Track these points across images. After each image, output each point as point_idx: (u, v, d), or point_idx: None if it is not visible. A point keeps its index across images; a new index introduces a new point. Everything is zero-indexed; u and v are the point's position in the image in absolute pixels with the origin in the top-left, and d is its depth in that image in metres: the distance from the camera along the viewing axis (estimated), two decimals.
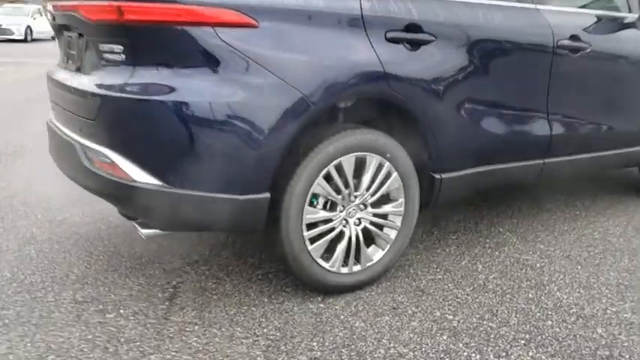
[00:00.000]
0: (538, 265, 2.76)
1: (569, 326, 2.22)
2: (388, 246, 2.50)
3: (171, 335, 2.09)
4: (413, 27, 2.36)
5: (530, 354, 2.04)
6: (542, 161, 2.92)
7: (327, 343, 2.07)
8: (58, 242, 2.91)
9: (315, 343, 2.07)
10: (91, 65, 2.21)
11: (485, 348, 2.07)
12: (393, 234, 2.51)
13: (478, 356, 2.02)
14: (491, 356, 2.03)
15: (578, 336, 2.16)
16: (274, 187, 2.17)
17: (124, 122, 2.05)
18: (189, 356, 1.97)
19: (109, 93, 2.04)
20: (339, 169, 2.28)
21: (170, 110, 1.97)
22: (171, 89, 1.98)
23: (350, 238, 2.39)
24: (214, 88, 2.00)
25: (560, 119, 2.92)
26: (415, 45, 2.37)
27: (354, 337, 2.12)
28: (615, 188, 3.97)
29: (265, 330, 2.15)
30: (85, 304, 2.31)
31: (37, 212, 3.29)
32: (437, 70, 2.43)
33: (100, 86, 2.09)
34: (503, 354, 2.04)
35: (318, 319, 2.23)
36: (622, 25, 3.09)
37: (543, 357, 2.03)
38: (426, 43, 2.39)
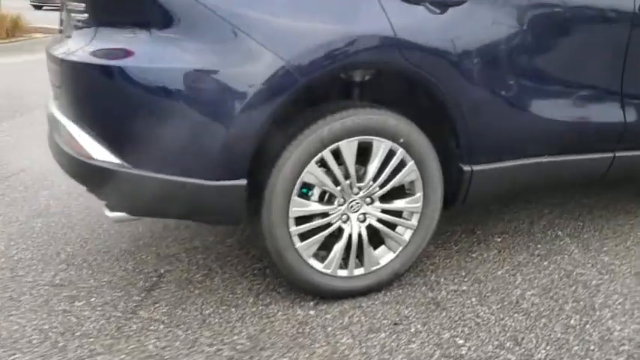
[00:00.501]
0: (594, 282, 2.25)
1: None
2: (400, 248, 2.12)
3: (130, 334, 1.87)
4: None
5: None
6: (611, 154, 2.37)
7: None
8: (67, 216, 2.79)
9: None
10: (68, 30, 1.99)
11: None
12: (407, 234, 2.12)
13: None
14: None
15: None
16: (256, 173, 1.86)
17: (81, 91, 1.82)
18: None
19: (67, 57, 1.81)
20: (337, 155, 1.92)
21: (125, 78, 1.70)
22: (129, 54, 1.70)
23: (350, 237, 2.03)
24: (179, 53, 1.70)
25: (637, 103, 2.35)
26: (441, 6, 1.93)
27: (334, 356, 1.77)
28: None
29: (236, 337, 1.86)
30: (60, 287, 2.14)
31: (62, 183, 3.19)
32: (470, 39, 1.98)
33: (64, 51, 1.86)
34: None
35: (301, 330, 1.90)
36: None
37: None
38: (455, 4, 1.94)
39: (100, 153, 1.80)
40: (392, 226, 2.10)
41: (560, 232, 2.70)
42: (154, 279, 2.21)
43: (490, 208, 2.95)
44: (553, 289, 2.19)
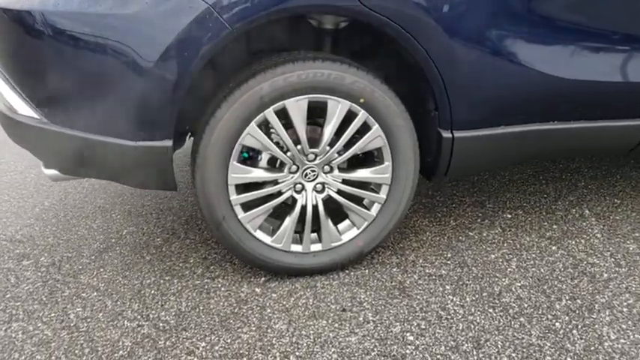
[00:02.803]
0: (605, 275, 1.87)
1: None
2: (365, 224, 1.86)
3: (59, 300, 1.77)
4: None
5: None
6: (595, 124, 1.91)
7: (217, 347, 1.57)
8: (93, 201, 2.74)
9: (203, 344, 1.58)
10: None
11: None
12: (374, 209, 1.85)
13: None
14: None
15: None
16: (189, 134, 1.67)
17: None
18: (51, 332, 1.63)
19: None
20: (283, 116, 1.67)
21: (31, 24, 1.53)
22: None
23: (305, 209, 1.80)
24: None
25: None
26: None
27: (258, 344, 1.58)
28: None
29: (163, 313, 1.71)
30: (17, 243, 2.10)
31: None
32: None
33: None
34: None
35: (236, 310, 1.72)
36: None
37: None
38: None
39: (22, 107, 1.67)
40: (357, 199, 1.84)
41: (587, 211, 2.30)
42: (112, 240, 2.11)
43: (514, 177, 2.58)
44: (550, 281, 1.85)
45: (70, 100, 1.60)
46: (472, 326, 1.64)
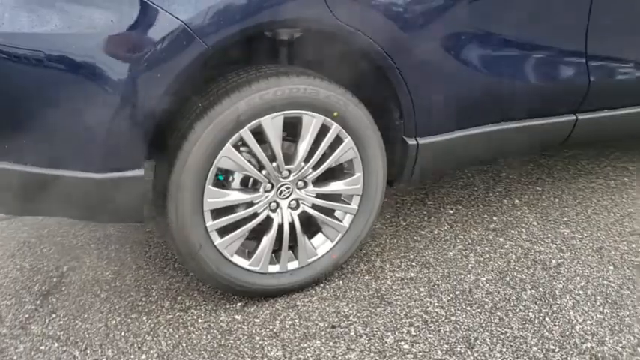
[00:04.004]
0: (554, 261, 2.04)
1: None
2: (339, 236, 1.85)
3: (14, 358, 1.56)
4: None
5: None
6: (573, 117, 2.11)
7: None
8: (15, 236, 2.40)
9: None
10: None
11: None
12: (347, 220, 1.85)
13: None
14: None
15: None
16: (159, 161, 1.54)
17: None
18: None
19: None
20: (258, 134, 1.60)
21: None
22: None
23: (281, 227, 1.74)
24: (41, 12, 1.32)
25: (603, 59, 2.07)
26: None
27: None
28: None
29: (143, 357, 1.57)
30: None
31: None
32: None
33: None
34: None
35: (223, 342, 1.63)
36: None
37: None
38: None
39: None
40: (329, 212, 1.82)
41: (517, 200, 2.47)
42: (54, 280, 1.89)
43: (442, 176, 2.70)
44: (509, 272, 1.97)
45: (17, 130, 1.40)
46: (458, 326, 1.70)
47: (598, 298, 1.83)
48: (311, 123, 1.65)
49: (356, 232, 1.86)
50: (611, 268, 1.99)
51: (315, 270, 1.84)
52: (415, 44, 1.69)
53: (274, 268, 1.78)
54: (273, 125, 1.60)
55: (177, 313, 1.74)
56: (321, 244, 1.84)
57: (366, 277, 1.93)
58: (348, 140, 1.72)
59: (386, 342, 1.64)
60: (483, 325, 1.71)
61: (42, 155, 1.43)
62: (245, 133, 1.57)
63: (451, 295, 1.85)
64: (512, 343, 1.64)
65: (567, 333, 1.68)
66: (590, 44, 1.98)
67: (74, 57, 1.35)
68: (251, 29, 1.49)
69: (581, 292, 1.87)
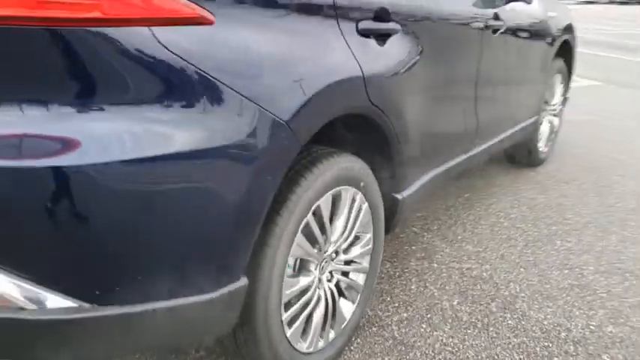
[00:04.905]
0: (484, 274, 2.47)
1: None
2: (359, 296, 1.94)
3: None
4: (381, 14, 1.75)
5: None
6: (469, 154, 2.61)
7: None
8: None
9: None
10: None
11: None
12: (361, 279, 1.95)
13: None
14: None
15: None
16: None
17: None
18: None
19: None
20: (316, 215, 1.62)
21: (69, 184, 1.07)
22: (69, 144, 1.07)
23: (327, 302, 1.77)
24: (148, 131, 1.14)
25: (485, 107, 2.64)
26: (382, 38, 1.77)
27: None
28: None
29: None
30: None
31: None
32: (402, 68, 1.88)
33: None
34: None
35: None
36: None
37: None
38: (391, 34, 1.80)
39: (34, 298, 1.13)
40: (348, 275, 1.91)
41: (415, 229, 2.87)
42: None
43: None
44: (467, 291, 2.33)
45: (129, 270, 1.19)
46: (471, 350, 1.98)
47: (535, 295, 2.32)
48: (347, 196, 1.74)
49: (369, 289, 1.98)
50: (522, 270, 2.53)
51: (347, 335, 1.90)
52: (408, 114, 1.92)
53: (321, 343, 1.79)
54: (326, 204, 1.65)
55: None
56: (347, 309, 1.91)
57: (373, 329, 2.06)
58: (366, 206, 1.85)
59: None
60: (489, 344, 2.02)
61: (151, 290, 1.22)
62: (310, 217, 1.58)
63: (449, 325, 2.11)
64: (523, 350, 1.99)
65: (545, 330, 2.11)
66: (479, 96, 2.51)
67: (196, 175, 1.21)
68: (329, 120, 1.53)
69: (523, 294, 2.33)
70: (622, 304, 2.31)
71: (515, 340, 2.04)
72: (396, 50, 1.82)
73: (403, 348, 1.96)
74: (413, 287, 2.34)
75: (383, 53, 1.76)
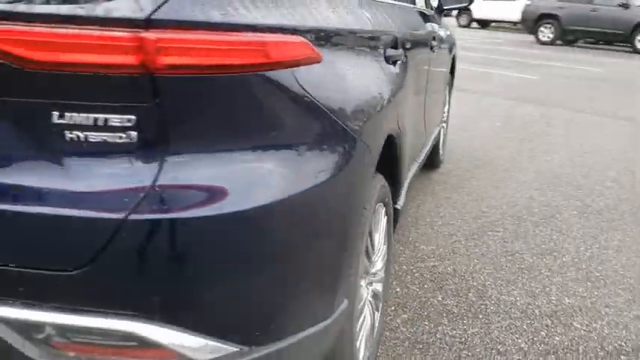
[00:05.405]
0: (449, 269, 2.75)
1: (597, 329, 2.30)
2: (381, 304, 2.08)
3: None
4: (395, 42, 1.93)
5: None
6: (420, 160, 2.89)
7: None
8: None
9: None
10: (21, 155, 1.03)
11: None
12: (380, 287, 2.08)
13: None
14: None
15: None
16: None
17: (152, 262, 1.05)
18: None
19: (130, 214, 0.99)
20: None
21: (239, 230, 1.09)
22: (219, 194, 1.08)
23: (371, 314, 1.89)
24: (292, 169, 1.19)
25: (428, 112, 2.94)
26: (394, 64, 1.94)
27: None
28: None
29: None
30: None
31: None
32: (405, 89, 2.06)
33: (95, 200, 1.00)
34: None
35: None
36: None
37: None
38: (398, 60, 1.98)
39: (198, 347, 1.12)
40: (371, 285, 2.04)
41: None
42: None
43: None
44: (444, 286, 2.57)
45: (285, 305, 1.22)
46: (481, 337, 2.23)
47: (498, 281, 2.65)
48: (382, 212, 1.87)
49: (384, 297, 2.12)
50: (476, 261, 2.85)
51: (376, 347, 2.02)
52: (407, 131, 2.11)
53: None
54: (374, 221, 1.76)
55: None
56: (376, 317, 2.03)
57: (386, 333, 2.21)
58: (385, 219, 2.00)
59: None
60: (485, 327, 2.29)
61: (297, 322, 1.25)
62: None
63: (445, 318, 2.33)
64: (511, 329, 2.28)
65: (521, 309, 2.43)
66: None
67: (326, 205, 1.27)
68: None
69: (489, 282, 2.65)
70: (564, 279, 2.72)
71: (503, 322, 2.32)
72: (402, 73, 1.99)
73: (421, 347, 2.14)
74: (398, 290, 2.52)
75: (397, 77, 1.91)
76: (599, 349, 2.18)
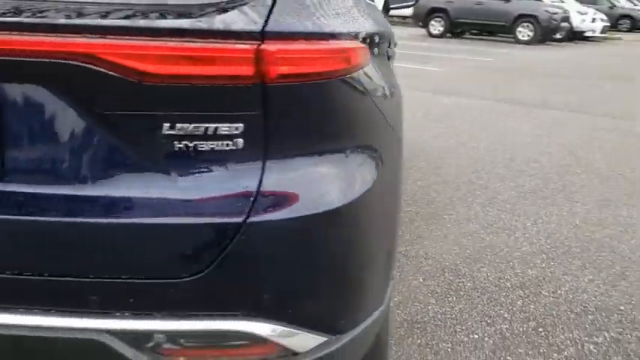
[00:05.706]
0: (420, 252, 2.93)
1: (562, 294, 2.55)
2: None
3: None
4: (390, 40, 2.05)
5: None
6: None
7: None
8: None
9: None
10: (122, 166, 1.04)
11: None
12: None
13: None
14: None
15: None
16: None
17: (269, 262, 1.10)
18: None
19: (249, 217, 1.04)
20: None
21: (321, 227, 1.14)
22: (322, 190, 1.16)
23: None
24: (371, 167, 1.28)
25: None
26: (389, 61, 2.06)
27: None
28: None
29: None
30: None
31: None
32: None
33: (209, 207, 1.03)
34: None
35: None
36: None
37: None
38: (390, 58, 2.10)
39: (299, 339, 1.19)
40: None
41: None
42: None
43: None
44: (421, 269, 2.75)
45: (360, 292, 1.31)
46: (469, 311, 2.42)
47: (468, 260, 2.87)
48: None
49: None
50: (442, 243, 3.06)
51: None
52: None
53: None
54: None
55: None
56: None
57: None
58: None
59: None
60: (470, 303, 2.48)
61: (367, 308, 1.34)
62: None
63: (432, 298, 2.50)
64: (492, 302, 2.49)
65: (495, 283, 2.65)
66: None
67: (380, 204, 1.36)
68: None
69: (457, 261, 2.86)
70: (522, 253, 2.99)
71: (483, 297, 2.53)
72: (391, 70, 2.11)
73: (419, 326, 2.29)
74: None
75: (391, 73, 2.03)
76: (569, 312, 2.44)
